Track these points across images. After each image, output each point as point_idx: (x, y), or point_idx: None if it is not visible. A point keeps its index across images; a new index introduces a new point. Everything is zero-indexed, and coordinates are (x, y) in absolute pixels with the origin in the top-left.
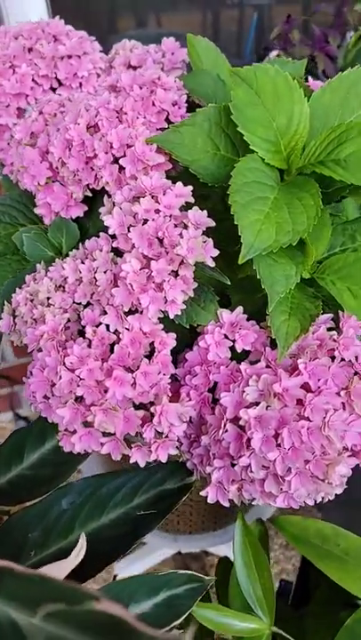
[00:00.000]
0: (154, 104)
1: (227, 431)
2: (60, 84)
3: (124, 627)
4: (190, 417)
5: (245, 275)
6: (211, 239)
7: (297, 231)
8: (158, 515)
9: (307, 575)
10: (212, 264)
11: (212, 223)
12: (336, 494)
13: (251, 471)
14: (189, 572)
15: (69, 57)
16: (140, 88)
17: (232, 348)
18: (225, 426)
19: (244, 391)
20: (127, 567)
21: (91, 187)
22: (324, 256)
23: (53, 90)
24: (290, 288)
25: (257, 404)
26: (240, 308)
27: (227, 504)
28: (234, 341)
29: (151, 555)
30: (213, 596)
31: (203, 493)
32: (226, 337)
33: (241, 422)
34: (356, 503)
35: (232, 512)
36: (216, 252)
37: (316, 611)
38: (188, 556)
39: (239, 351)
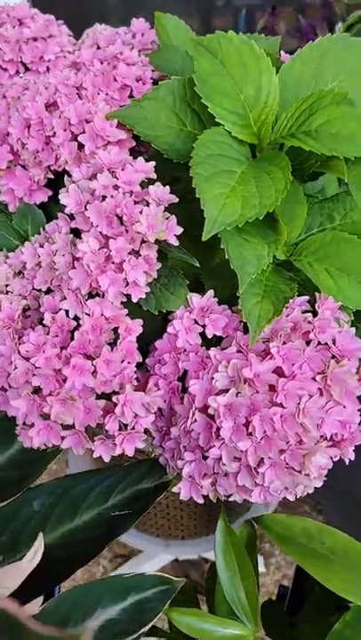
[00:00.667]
0: (115, 79)
1: (196, 421)
2: (27, 68)
3: (16, 624)
4: (161, 409)
5: (220, 260)
6: (174, 216)
7: (264, 205)
8: (133, 515)
9: (303, 579)
10: (175, 243)
11: (175, 199)
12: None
13: (223, 464)
14: (158, 573)
15: (35, 39)
16: (102, 63)
17: (205, 336)
18: (194, 415)
19: (213, 378)
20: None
21: (52, 168)
22: (302, 238)
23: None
24: (263, 269)
25: (227, 391)
26: (211, 292)
27: (200, 500)
28: (205, 327)
29: (147, 562)
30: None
31: (175, 490)
32: (196, 322)
33: (210, 411)
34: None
35: (228, 515)
36: (180, 230)
37: (310, 615)
38: (187, 563)
39: (210, 337)
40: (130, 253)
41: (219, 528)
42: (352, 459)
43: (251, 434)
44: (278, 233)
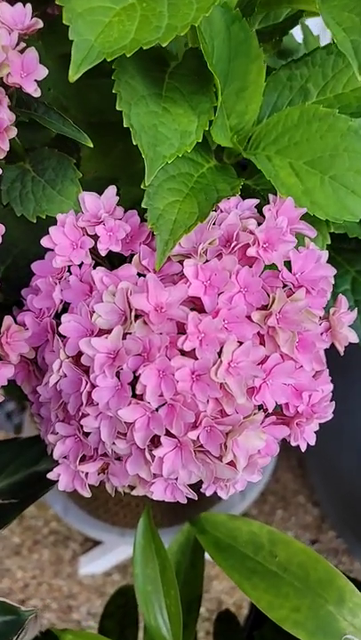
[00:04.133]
0: None
1: (65, 376)
2: None
3: None
4: (34, 360)
5: None
6: (34, 50)
7: (173, 27)
8: (19, 506)
9: None
10: (35, 92)
11: (39, 24)
12: None
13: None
14: (2, 599)
15: None
16: None
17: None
18: (61, 367)
19: (94, 311)
20: (89, 564)
21: None
22: (263, 125)
23: None
24: (192, 159)
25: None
26: (112, 190)
27: (87, 493)
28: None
29: (113, 550)
30: None
31: (51, 476)
32: (87, 234)
33: (85, 361)
34: None
35: (195, 504)
36: (43, 72)
37: (268, 637)
38: None
39: (103, 253)
40: None
41: (140, 528)
42: (311, 442)
43: (141, 397)
44: (213, 99)
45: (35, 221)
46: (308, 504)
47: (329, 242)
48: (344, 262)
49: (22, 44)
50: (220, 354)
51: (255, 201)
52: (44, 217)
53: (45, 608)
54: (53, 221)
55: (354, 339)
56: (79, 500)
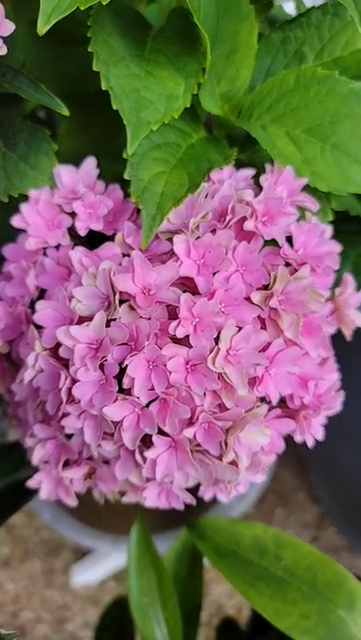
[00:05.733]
0: None
1: (43, 371)
2: None
3: None
4: (8, 356)
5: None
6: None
7: None
8: (0, 516)
9: None
10: (0, 50)
11: None
12: None
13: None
14: None
15: None
16: None
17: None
18: (37, 361)
19: (72, 296)
20: (82, 572)
21: None
22: (256, 91)
23: None
24: (180, 128)
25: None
26: (91, 162)
27: (72, 502)
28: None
29: (107, 558)
30: None
31: (32, 484)
32: (63, 211)
33: (63, 353)
34: None
35: (191, 506)
36: (9, 28)
37: None
38: None
39: (82, 233)
40: None
41: (133, 537)
42: (318, 437)
43: (129, 392)
44: (202, 60)
45: (6, 201)
46: (308, 501)
47: (331, 218)
48: (344, 245)
49: None
50: (216, 340)
51: (251, 171)
52: (16, 196)
53: (38, 620)
54: (27, 200)
55: None
56: (69, 507)
